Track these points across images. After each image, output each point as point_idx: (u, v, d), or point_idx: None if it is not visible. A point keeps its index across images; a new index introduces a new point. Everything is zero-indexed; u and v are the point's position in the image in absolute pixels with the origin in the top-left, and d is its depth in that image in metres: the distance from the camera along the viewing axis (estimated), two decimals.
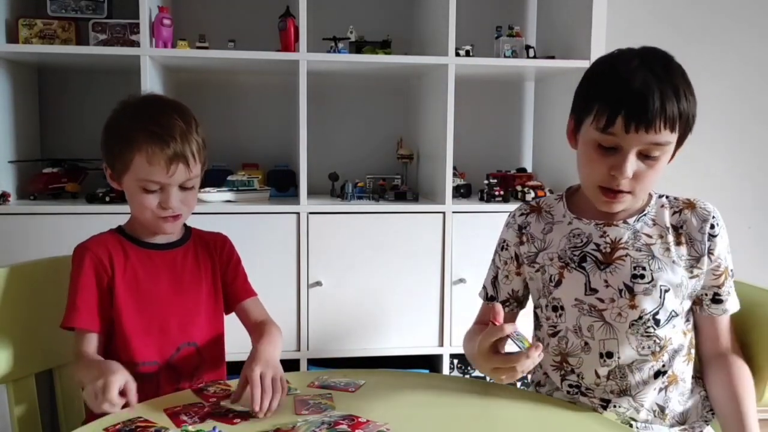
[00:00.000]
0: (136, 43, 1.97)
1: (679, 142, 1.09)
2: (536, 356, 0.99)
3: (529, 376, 1.31)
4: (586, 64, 2.09)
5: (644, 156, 1.07)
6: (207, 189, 2.06)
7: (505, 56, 2.21)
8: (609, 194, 1.10)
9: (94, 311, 1.24)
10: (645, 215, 1.17)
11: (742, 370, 1.15)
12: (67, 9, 2.07)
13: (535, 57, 2.24)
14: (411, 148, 2.41)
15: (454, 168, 2.15)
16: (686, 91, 1.06)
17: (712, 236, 1.14)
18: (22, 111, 2.13)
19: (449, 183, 2.10)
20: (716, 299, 1.17)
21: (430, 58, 2.12)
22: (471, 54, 2.16)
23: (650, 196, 1.19)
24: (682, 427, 1.17)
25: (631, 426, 1.15)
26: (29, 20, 2.01)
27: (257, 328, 1.31)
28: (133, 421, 1.03)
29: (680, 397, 1.17)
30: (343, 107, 2.47)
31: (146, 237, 1.32)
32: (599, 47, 2.11)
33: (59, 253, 1.38)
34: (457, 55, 2.10)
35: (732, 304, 1.18)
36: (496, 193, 2.20)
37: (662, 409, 1.16)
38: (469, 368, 2.21)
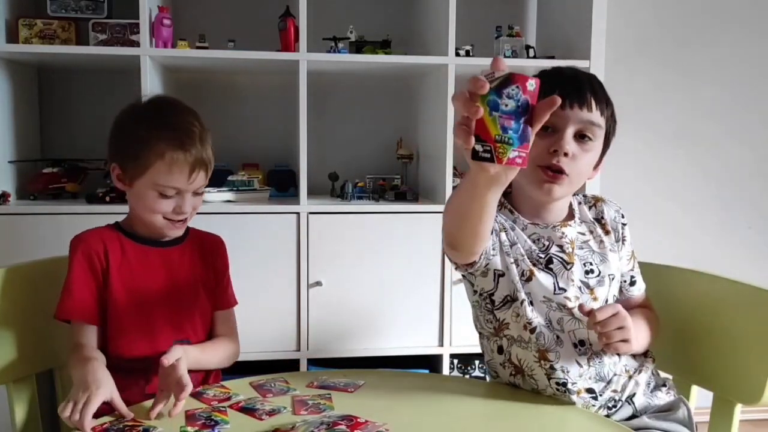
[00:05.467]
0: (136, 43, 1.97)
1: (605, 143, 1.21)
2: None
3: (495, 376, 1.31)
4: (586, 64, 2.10)
5: (579, 138, 1.16)
6: (207, 189, 2.06)
7: (505, 56, 2.21)
8: (549, 173, 1.16)
9: (91, 304, 1.25)
10: (575, 216, 1.26)
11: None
12: (67, 9, 2.07)
13: (535, 57, 2.24)
14: (411, 148, 2.41)
15: (454, 168, 2.15)
16: (606, 94, 1.20)
17: (623, 225, 1.27)
18: (22, 111, 2.14)
19: (449, 183, 2.10)
20: (633, 281, 1.29)
21: (430, 58, 2.12)
22: (471, 54, 2.16)
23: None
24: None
25: (618, 405, 1.18)
26: (29, 20, 2.01)
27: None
28: (120, 420, 1.04)
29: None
30: (343, 107, 2.47)
31: (143, 234, 1.32)
32: (599, 47, 2.11)
33: (59, 253, 1.38)
34: (457, 55, 2.10)
35: (641, 283, 1.30)
36: None
37: (629, 375, 1.20)
38: (469, 368, 2.21)
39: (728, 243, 2.69)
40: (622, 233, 1.26)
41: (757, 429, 2.57)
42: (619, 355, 1.19)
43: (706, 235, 2.66)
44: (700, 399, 1.35)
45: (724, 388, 1.26)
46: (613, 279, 1.22)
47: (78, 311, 1.24)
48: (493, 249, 1.18)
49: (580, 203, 1.28)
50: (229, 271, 1.41)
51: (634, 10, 2.57)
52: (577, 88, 1.15)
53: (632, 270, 1.29)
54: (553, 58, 2.23)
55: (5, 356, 1.28)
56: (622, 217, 1.27)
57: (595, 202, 1.29)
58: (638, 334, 1.15)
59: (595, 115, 1.16)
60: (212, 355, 1.31)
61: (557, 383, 1.17)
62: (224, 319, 1.39)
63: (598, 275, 1.20)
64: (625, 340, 1.09)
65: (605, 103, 1.18)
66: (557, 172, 1.16)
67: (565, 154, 1.14)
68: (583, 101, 1.15)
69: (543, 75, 1.20)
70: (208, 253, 1.37)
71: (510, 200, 1.27)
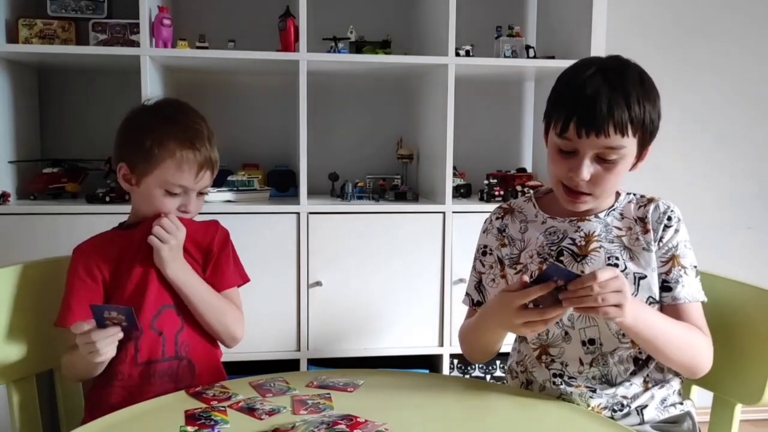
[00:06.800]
0: (136, 43, 1.97)
1: (643, 146, 1.15)
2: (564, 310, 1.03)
3: (509, 379, 1.34)
4: None
5: (601, 159, 1.13)
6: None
7: (505, 56, 2.21)
8: (570, 194, 1.17)
9: (87, 313, 1.25)
10: (614, 210, 1.24)
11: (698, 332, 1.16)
12: (67, 9, 2.07)
13: (535, 57, 2.24)
14: (411, 148, 2.41)
15: (454, 168, 2.15)
16: (641, 98, 1.11)
17: (667, 227, 1.19)
18: (22, 111, 2.14)
19: (449, 183, 2.10)
20: (665, 287, 1.18)
21: (430, 58, 2.12)
22: (471, 54, 2.16)
23: (618, 193, 1.25)
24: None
25: (624, 410, 1.17)
26: (29, 20, 2.01)
27: None
28: None
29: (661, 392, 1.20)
30: (343, 107, 2.47)
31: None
32: (599, 47, 2.11)
33: (59, 253, 1.39)
34: (457, 55, 2.10)
35: (686, 293, 1.17)
36: (496, 193, 2.20)
37: (647, 387, 1.19)
38: (469, 368, 2.21)
39: (728, 243, 2.69)
40: (661, 234, 1.19)
41: (757, 429, 2.57)
42: (638, 362, 1.18)
43: (705, 235, 2.65)
44: (700, 399, 1.35)
45: (724, 388, 1.26)
46: (642, 278, 1.17)
47: (75, 320, 1.24)
48: (494, 281, 1.27)
49: (630, 201, 1.24)
50: (228, 253, 1.40)
51: (634, 9, 2.57)
52: (592, 115, 1.08)
53: (667, 274, 1.18)
54: (553, 58, 2.23)
55: (5, 356, 1.28)
56: (668, 219, 1.19)
57: (647, 203, 1.23)
58: (655, 320, 1.10)
59: (614, 140, 1.09)
60: (207, 288, 1.31)
61: (554, 374, 1.20)
62: (228, 297, 1.38)
63: (623, 271, 1.16)
64: (617, 305, 1.01)
65: (630, 118, 1.09)
66: (579, 193, 1.16)
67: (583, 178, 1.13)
68: (599, 130, 1.08)
69: (564, 85, 1.16)
70: (206, 233, 1.38)
71: (539, 196, 1.31)
